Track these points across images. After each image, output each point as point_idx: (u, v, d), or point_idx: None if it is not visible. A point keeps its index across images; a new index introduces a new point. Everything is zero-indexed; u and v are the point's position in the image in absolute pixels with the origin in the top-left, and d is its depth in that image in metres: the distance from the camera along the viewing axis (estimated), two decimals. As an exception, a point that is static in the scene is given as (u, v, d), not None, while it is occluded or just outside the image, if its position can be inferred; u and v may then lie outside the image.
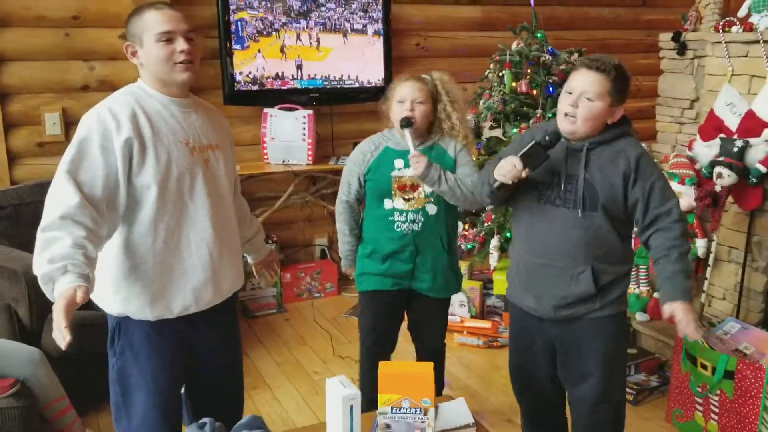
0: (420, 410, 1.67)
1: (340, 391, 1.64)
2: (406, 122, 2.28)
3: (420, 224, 2.36)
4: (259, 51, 3.87)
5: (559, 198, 1.96)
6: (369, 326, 2.48)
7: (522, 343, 2.17)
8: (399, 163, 2.35)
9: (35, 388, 2.30)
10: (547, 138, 1.91)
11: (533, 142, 1.92)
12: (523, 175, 1.91)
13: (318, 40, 4.00)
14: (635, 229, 2.02)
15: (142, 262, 1.76)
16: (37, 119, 3.55)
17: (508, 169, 1.91)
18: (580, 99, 1.90)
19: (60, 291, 1.52)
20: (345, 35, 4.07)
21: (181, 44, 1.74)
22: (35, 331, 2.72)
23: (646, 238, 1.96)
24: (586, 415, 2.08)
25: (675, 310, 1.88)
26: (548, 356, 2.12)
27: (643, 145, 2.10)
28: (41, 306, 2.74)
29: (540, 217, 2.00)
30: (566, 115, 1.92)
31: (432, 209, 2.36)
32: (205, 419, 1.60)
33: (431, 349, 2.57)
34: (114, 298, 1.79)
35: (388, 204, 2.36)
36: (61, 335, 1.47)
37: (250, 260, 2.28)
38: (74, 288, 1.51)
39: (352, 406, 1.63)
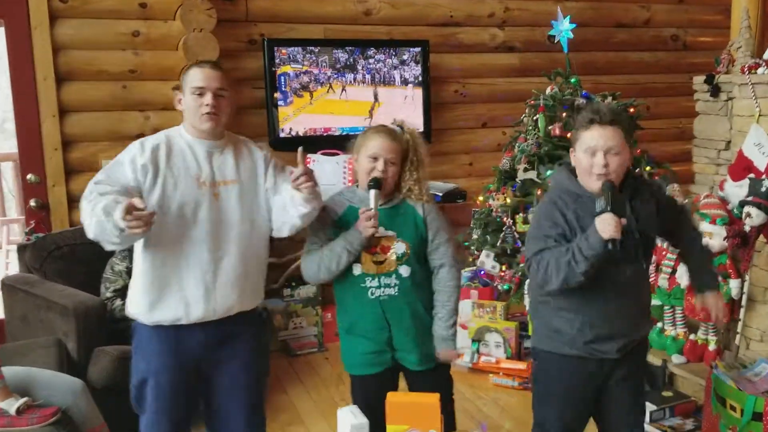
0: (427, 441, 1.71)
1: (350, 419, 1.72)
2: (375, 183, 2.13)
3: (396, 288, 2.18)
4: (300, 108, 4.08)
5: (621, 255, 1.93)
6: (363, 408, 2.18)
7: (576, 396, 2.13)
8: None
9: (76, 417, 2.42)
10: (608, 184, 1.93)
11: (608, 191, 1.91)
12: (624, 222, 1.89)
13: (373, 93, 4.21)
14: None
15: (142, 273, 2.06)
16: (95, 165, 3.76)
17: (612, 224, 1.85)
18: (608, 156, 1.93)
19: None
20: (387, 85, 4.25)
21: (208, 99, 2.02)
22: (82, 363, 2.88)
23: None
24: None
25: (707, 299, 2.14)
26: (591, 403, 2.15)
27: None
28: (88, 341, 2.92)
29: (606, 279, 1.98)
30: (599, 174, 1.94)
31: (405, 271, 2.18)
32: None
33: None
34: (131, 300, 2.12)
35: (357, 269, 2.17)
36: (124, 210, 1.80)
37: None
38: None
39: (360, 435, 1.70)
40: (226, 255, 2.07)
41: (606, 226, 1.85)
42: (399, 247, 2.18)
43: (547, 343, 2.13)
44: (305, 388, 3.60)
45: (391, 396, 1.73)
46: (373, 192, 2.12)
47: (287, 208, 2.09)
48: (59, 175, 3.73)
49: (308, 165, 2.05)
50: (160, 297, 2.04)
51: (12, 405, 2.25)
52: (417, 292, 2.22)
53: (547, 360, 2.15)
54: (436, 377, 2.27)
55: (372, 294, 2.18)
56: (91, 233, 1.92)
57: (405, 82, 4.30)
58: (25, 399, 2.28)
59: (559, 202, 2.02)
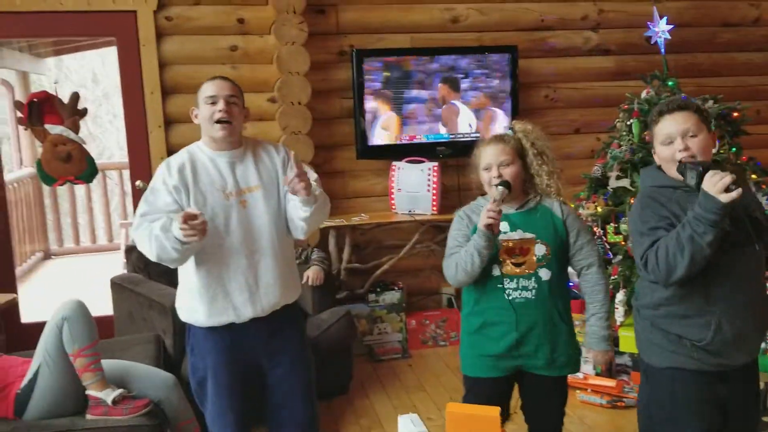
0: (487, 454, 1.71)
1: (410, 429, 1.74)
2: (506, 183, 2.13)
3: (534, 291, 2.15)
4: (384, 114, 4.16)
5: (734, 237, 1.85)
6: None
7: (707, 419, 1.98)
8: (503, 226, 2.15)
9: (168, 410, 2.59)
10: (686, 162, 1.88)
11: (686, 164, 1.87)
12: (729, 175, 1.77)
13: (446, 100, 4.22)
14: None
15: (188, 288, 2.19)
16: (195, 173, 4.05)
17: (718, 177, 1.75)
18: (686, 139, 1.92)
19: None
20: (472, 92, 4.24)
21: (220, 105, 2.12)
22: (177, 359, 3.08)
23: None
24: None
25: None
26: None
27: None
28: (183, 338, 3.10)
29: (727, 271, 1.89)
30: (682, 157, 1.91)
31: (545, 274, 2.15)
32: None
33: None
34: (181, 308, 2.26)
35: (496, 270, 2.17)
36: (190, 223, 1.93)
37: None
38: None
39: (419, 444, 1.71)
40: (263, 258, 2.18)
41: (714, 182, 1.76)
42: (539, 249, 2.16)
43: (668, 359, 1.98)
44: (387, 394, 3.64)
45: (450, 407, 1.73)
46: (498, 188, 2.12)
47: (295, 211, 2.18)
48: (163, 183, 3.99)
49: (302, 168, 2.08)
50: (210, 307, 2.16)
51: (109, 395, 2.44)
52: (554, 297, 2.18)
53: (670, 379, 1.98)
54: (553, 385, 2.25)
55: (509, 296, 2.16)
56: (153, 255, 2.06)
57: (493, 88, 4.27)
58: (120, 390, 2.46)
59: (659, 197, 1.96)
